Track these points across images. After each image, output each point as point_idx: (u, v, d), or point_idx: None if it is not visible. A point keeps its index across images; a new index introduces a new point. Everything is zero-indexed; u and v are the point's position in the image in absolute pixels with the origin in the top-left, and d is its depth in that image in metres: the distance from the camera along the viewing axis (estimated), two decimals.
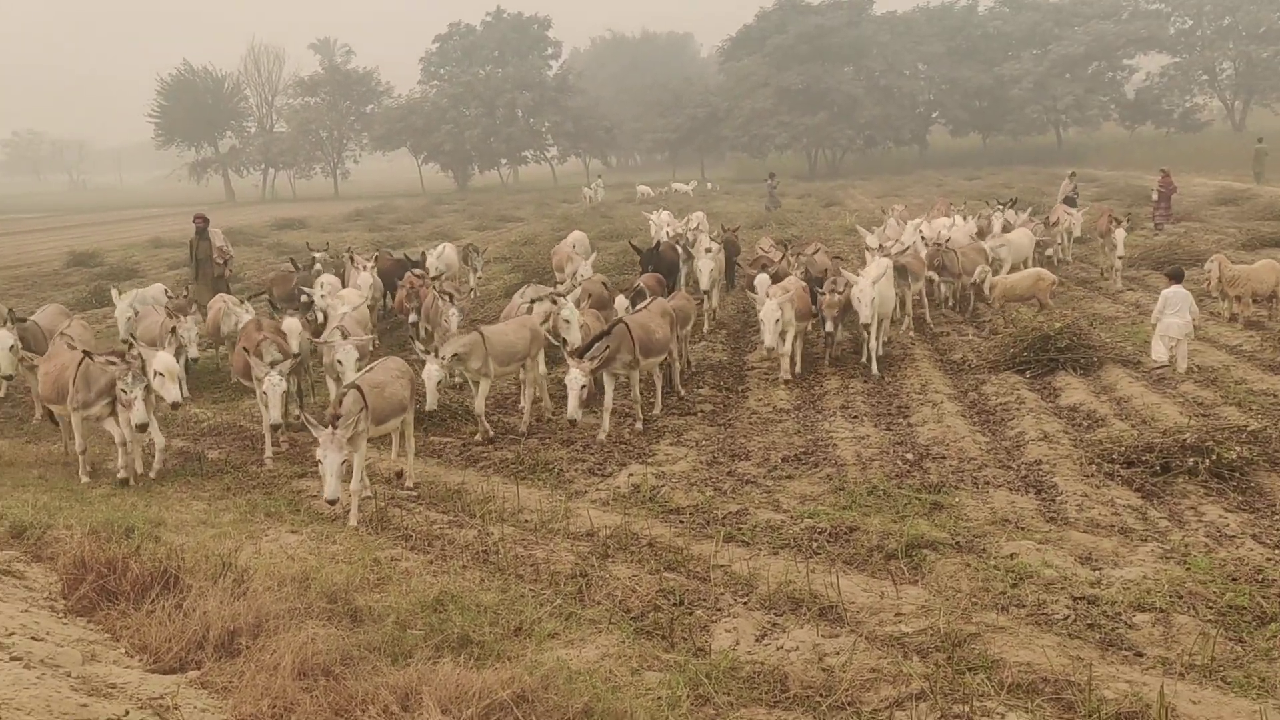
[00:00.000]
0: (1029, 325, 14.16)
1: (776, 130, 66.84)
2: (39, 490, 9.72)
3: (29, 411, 13.89)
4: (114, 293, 16.34)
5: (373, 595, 7.39)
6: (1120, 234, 18.64)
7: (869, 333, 14.01)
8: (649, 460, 10.86)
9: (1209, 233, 24.98)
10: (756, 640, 6.83)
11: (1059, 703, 5.81)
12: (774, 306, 13.22)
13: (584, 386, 10.96)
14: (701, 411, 12.77)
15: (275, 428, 11.42)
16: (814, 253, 17.83)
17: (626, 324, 11.92)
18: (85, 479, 10.71)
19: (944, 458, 10.43)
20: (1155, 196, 26.65)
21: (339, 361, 11.36)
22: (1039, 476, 9.77)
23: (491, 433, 11.88)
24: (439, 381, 11.34)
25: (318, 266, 18.87)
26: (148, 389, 10.23)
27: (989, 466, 10.15)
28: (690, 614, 7.27)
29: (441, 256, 20.48)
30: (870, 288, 13.61)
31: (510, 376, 12.99)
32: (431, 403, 11.27)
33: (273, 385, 10.89)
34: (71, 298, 23.93)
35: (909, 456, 10.52)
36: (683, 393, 13.44)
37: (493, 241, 34.01)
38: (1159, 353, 12.87)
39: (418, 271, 17.47)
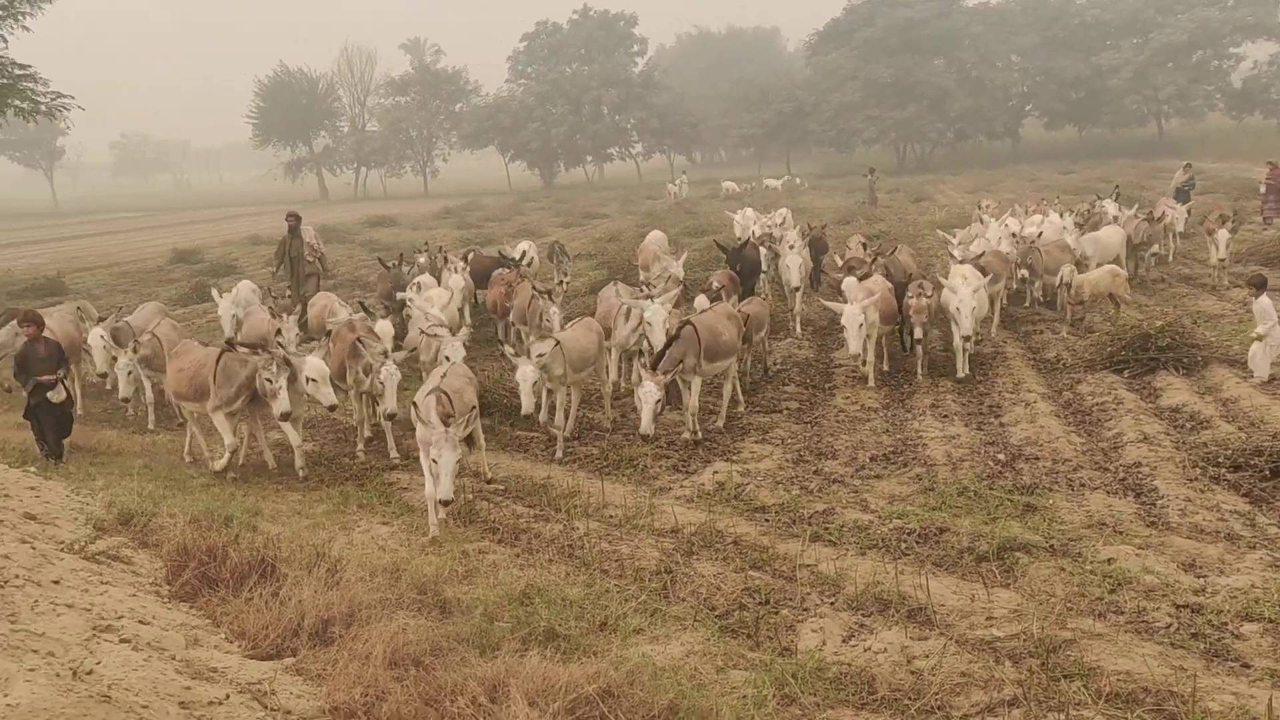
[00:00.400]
0: (1127, 323, 13.73)
1: (864, 124, 65.94)
2: (144, 479, 10.07)
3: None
4: (215, 292, 16.65)
5: (461, 587, 7.50)
6: (1224, 236, 17.69)
7: (965, 341, 13.43)
8: (734, 458, 10.82)
9: None
10: (843, 641, 6.75)
11: (1160, 714, 5.62)
12: (856, 312, 12.68)
13: (659, 400, 10.53)
14: (787, 409, 12.66)
15: (391, 417, 11.17)
16: (893, 253, 17.26)
17: (694, 325, 11.46)
18: (232, 474, 10.79)
19: (1037, 459, 10.17)
20: (1263, 189, 25.36)
21: (446, 358, 11.22)
22: (1138, 479, 9.46)
23: (564, 445, 11.45)
24: (534, 383, 10.78)
25: (410, 268, 18.69)
26: (291, 379, 10.26)
27: (1085, 468, 9.87)
28: (776, 613, 7.22)
29: (524, 255, 20.48)
30: (971, 296, 13.16)
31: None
32: (528, 406, 10.80)
33: (389, 374, 10.92)
34: (174, 294, 24.81)
35: (1001, 457, 10.28)
36: (742, 408, 12.63)
37: (577, 238, 34.25)
38: (1259, 364, 12.22)
39: (513, 269, 17.40)
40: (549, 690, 5.31)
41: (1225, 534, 8.07)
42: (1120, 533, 8.23)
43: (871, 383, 13.33)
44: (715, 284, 14.84)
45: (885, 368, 14.03)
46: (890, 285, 14.24)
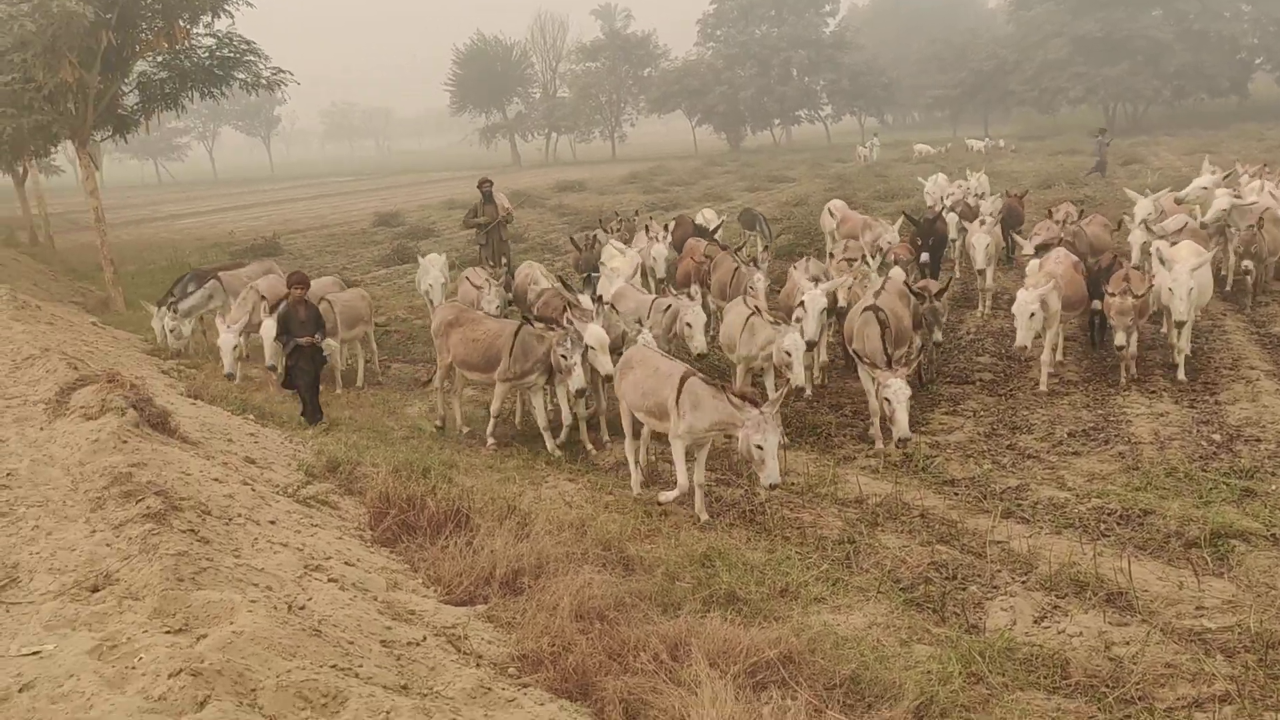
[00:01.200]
0: None
1: (1070, 83, 62.28)
2: (349, 430, 10.69)
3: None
4: (422, 259, 16.23)
5: (643, 546, 7.63)
6: None
7: (1179, 332, 11.51)
8: (923, 429, 10.51)
9: None
10: (1035, 622, 6.50)
11: None
12: (1029, 299, 11.03)
13: (910, 397, 9.35)
14: (980, 380, 12.21)
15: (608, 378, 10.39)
16: (1081, 222, 15.40)
17: (877, 309, 10.26)
18: (492, 443, 10.68)
19: (1259, 440, 9.43)
20: None
21: (688, 325, 10.96)
22: None
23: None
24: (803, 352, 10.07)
25: (602, 235, 17.64)
26: (584, 355, 9.95)
27: None
28: (964, 589, 7.01)
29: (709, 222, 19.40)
30: (1188, 277, 11.18)
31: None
32: (800, 378, 10.11)
33: (645, 339, 10.14)
34: (376, 255, 26.12)
35: (1216, 437, 9.60)
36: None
37: (763, 202, 33.93)
38: None
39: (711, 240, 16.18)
40: (730, 652, 5.34)
41: None
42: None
43: (1044, 386, 11.48)
44: (897, 254, 14.16)
45: (1059, 358, 12.24)
46: (1076, 263, 12.42)
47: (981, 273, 15.30)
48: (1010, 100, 69.01)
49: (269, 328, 11.64)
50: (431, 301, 15.19)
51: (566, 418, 10.70)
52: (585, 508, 8.23)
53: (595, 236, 17.72)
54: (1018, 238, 15.27)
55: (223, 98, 23.68)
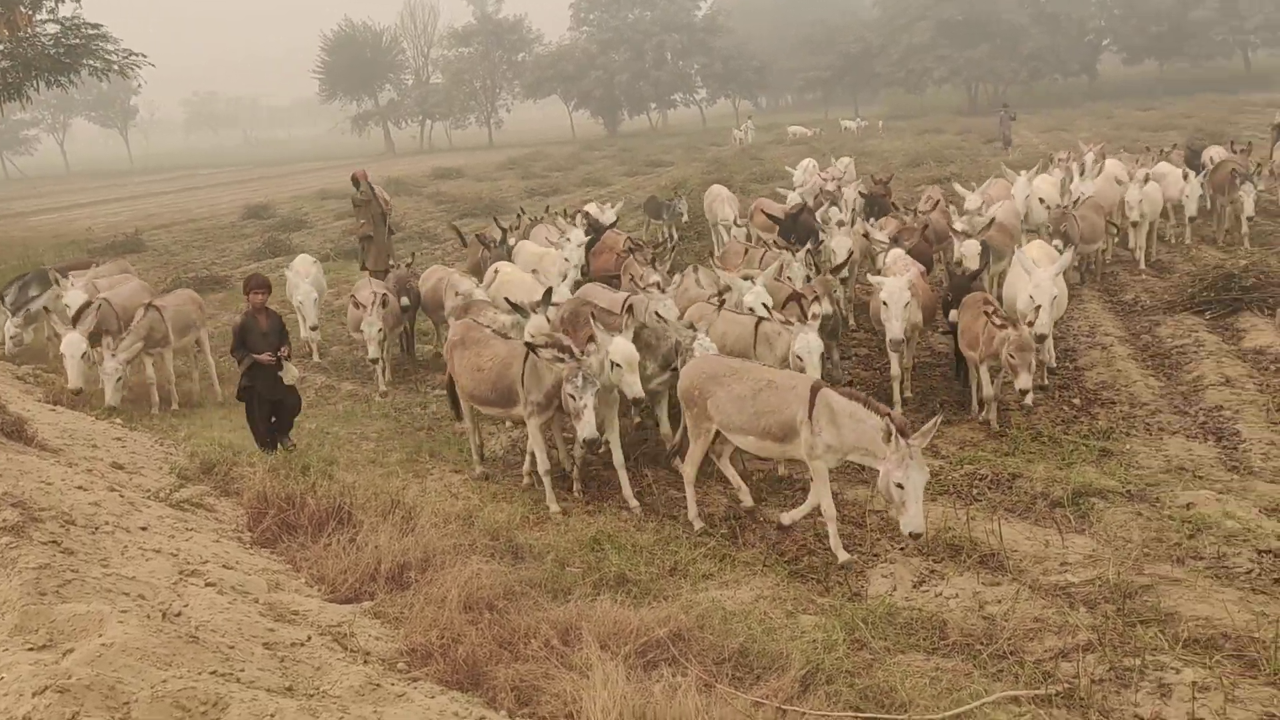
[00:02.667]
0: (1209, 264, 13.29)
1: (935, 64, 64.30)
2: (224, 429, 10.36)
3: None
4: (290, 270, 14.30)
5: (532, 533, 7.63)
6: None
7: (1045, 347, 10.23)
8: None
9: None
10: (914, 586, 6.74)
11: (1240, 660, 5.52)
12: (900, 286, 9.64)
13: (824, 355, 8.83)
14: (856, 355, 12.54)
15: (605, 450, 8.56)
16: (933, 209, 14.67)
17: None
18: (555, 508, 8.38)
19: (1114, 403, 9.96)
20: None
21: (798, 357, 8.52)
22: (1219, 423, 9.22)
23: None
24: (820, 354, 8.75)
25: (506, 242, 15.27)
26: (599, 393, 7.95)
27: (1164, 412, 9.65)
28: (848, 550, 7.22)
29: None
30: (1051, 284, 9.68)
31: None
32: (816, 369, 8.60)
33: (704, 345, 8.59)
34: (247, 249, 25.28)
35: (1076, 401, 10.09)
36: None
37: (643, 187, 34.08)
38: None
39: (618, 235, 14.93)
40: (620, 633, 5.38)
41: None
42: (1200, 478, 8.05)
43: (898, 403, 10.24)
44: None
45: (907, 394, 10.65)
46: (923, 268, 11.19)
47: (844, 280, 12.51)
48: (878, 82, 70.84)
49: (72, 343, 10.62)
50: (304, 318, 13.39)
51: (544, 464, 8.49)
52: (472, 498, 8.18)
53: (505, 232, 15.60)
54: (869, 229, 13.70)
55: (71, 86, 22.52)
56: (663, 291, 10.03)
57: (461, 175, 43.80)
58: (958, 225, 12.92)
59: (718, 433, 7.69)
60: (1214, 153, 18.89)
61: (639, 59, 72.83)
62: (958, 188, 16.58)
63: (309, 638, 4.89)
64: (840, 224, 14.37)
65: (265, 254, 24.03)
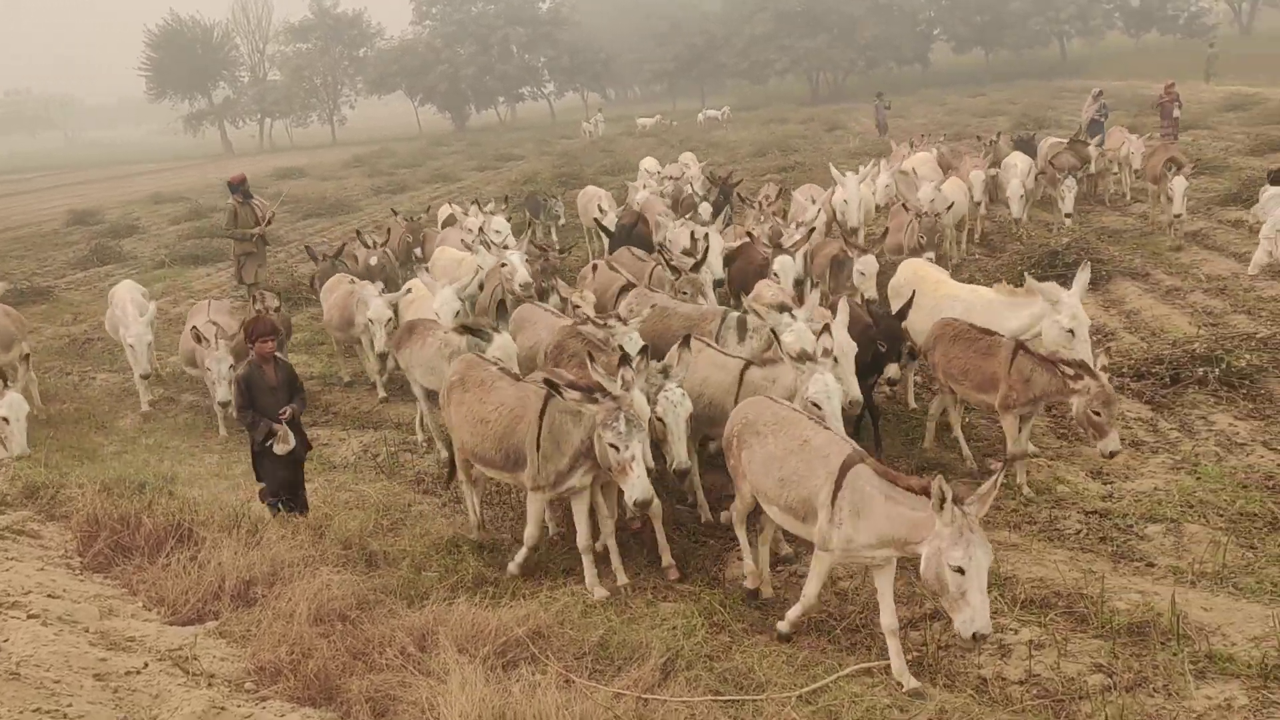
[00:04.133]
0: (1038, 240, 14.01)
1: (777, 55, 65.74)
2: (50, 449, 9.76)
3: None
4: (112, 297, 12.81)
5: (387, 540, 7.45)
6: (1181, 184, 14.17)
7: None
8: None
9: (1217, 140, 24.58)
10: (771, 568, 6.86)
11: (1072, 616, 5.85)
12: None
13: None
14: None
15: (643, 504, 6.32)
16: (771, 205, 13.78)
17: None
18: (602, 593, 6.54)
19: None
20: (1176, 113, 23.60)
21: (815, 405, 6.48)
22: None
23: None
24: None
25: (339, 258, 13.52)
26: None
27: None
28: (704, 545, 7.32)
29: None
30: (1081, 311, 8.23)
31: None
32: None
33: (672, 406, 6.83)
34: (72, 257, 23.84)
35: (915, 379, 10.45)
36: None
37: (493, 181, 33.76)
38: (1259, 256, 11.89)
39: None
40: (479, 635, 5.31)
41: (1130, 441, 8.36)
42: (1033, 446, 8.46)
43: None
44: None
45: None
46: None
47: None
48: (723, 73, 71.98)
49: None
50: (135, 362, 11.53)
51: (585, 538, 6.68)
52: (323, 508, 7.92)
53: (344, 246, 14.07)
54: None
55: None
56: (624, 324, 8.03)
57: (305, 175, 42.48)
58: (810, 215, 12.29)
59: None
60: (1053, 142, 18.86)
61: (484, 53, 71.99)
62: (833, 170, 15.75)
63: (145, 664, 4.65)
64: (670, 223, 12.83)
65: (92, 262, 22.76)
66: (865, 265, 10.58)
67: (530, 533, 6.79)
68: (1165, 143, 16.98)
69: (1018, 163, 16.41)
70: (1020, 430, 7.68)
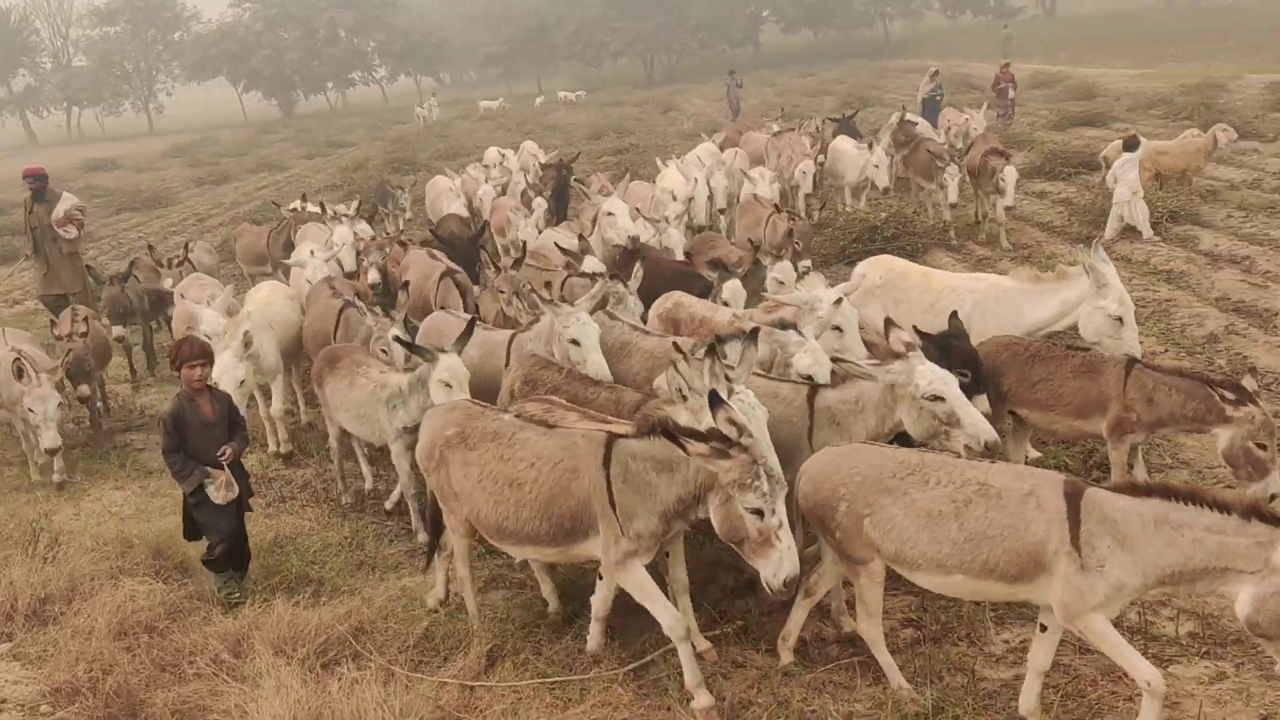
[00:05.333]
0: (856, 216, 14.48)
1: (610, 37, 65.90)
2: None
3: None
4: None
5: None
6: (1012, 174, 13.14)
7: None
8: None
9: (1023, 116, 25.95)
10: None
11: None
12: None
13: None
14: None
15: None
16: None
17: None
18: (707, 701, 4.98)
19: None
20: (1012, 94, 24.43)
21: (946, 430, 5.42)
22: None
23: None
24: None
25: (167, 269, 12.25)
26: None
27: None
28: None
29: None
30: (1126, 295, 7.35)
31: None
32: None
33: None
34: None
35: None
36: None
37: (323, 169, 32.76)
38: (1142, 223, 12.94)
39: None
40: (298, 636, 5.18)
41: None
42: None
43: None
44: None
45: None
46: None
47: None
48: (558, 55, 71.67)
49: None
50: None
51: (678, 628, 4.99)
52: (133, 517, 7.53)
53: (178, 264, 12.33)
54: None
55: None
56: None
57: (119, 166, 40.22)
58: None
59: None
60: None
61: (310, 36, 69.52)
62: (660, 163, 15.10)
63: None
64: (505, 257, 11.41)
65: None
66: (730, 291, 8.67)
67: (668, 622, 4.94)
68: (985, 133, 16.31)
69: (845, 147, 16.59)
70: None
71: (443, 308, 9.08)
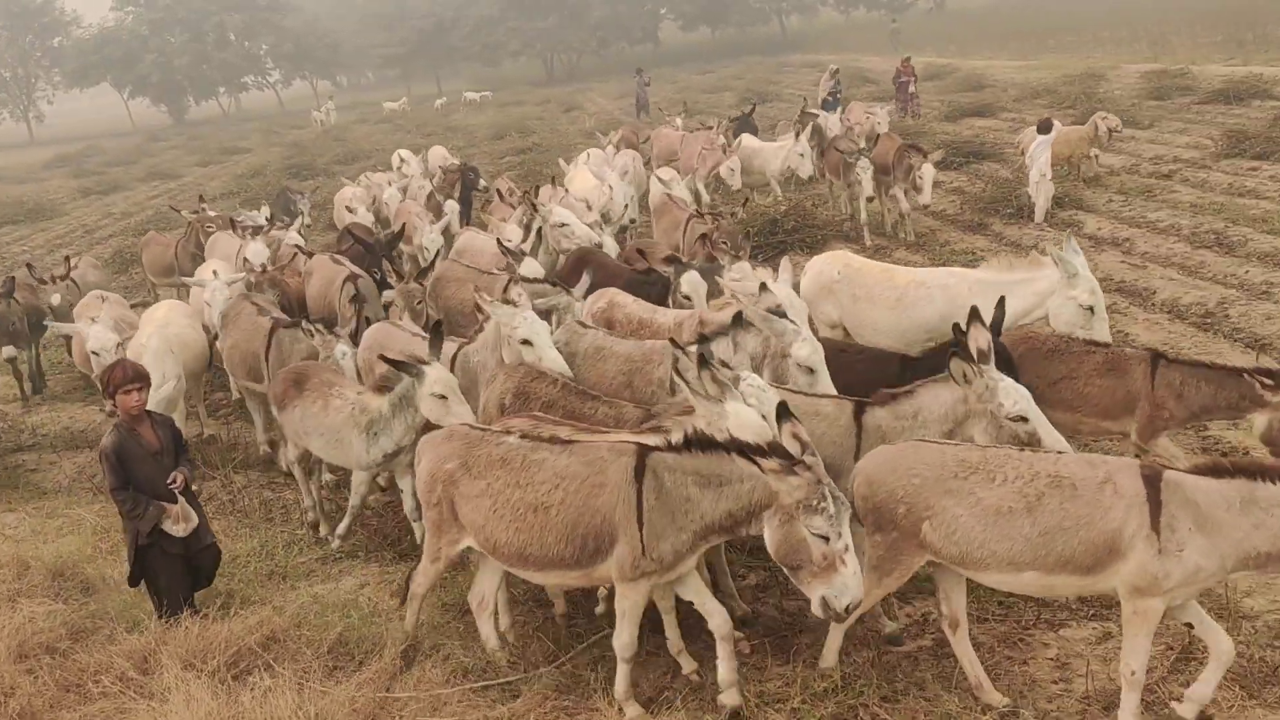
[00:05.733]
0: (758, 210, 14.72)
1: (508, 37, 65.64)
2: None
3: None
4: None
5: (107, 562, 6.96)
6: (930, 171, 13.11)
7: None
8: None
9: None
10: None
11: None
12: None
13: None
14: None
15: None
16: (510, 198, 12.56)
17: None
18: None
19: None
20: (912, 88, 24.83)
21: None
22: None
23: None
24: None
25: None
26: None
27: None
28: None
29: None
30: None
31: None
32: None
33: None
34: None
35: None
36: None
37: (217, 176, 31.97)
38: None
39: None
40: (207, 649, 5.11)
41: None
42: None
43: None
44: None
45: None
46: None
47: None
48: (457, 56, 71.01)
49: None
50: None
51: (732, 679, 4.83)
52: (29, 539, 7.31)
53: (61, 279, 12.21)
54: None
55: None
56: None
57: None
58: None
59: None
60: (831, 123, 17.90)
61: (198, 40, 67.58)
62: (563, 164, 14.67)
63: None
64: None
65: None
66: (690, 284, 8.41)
67: (625, 642, 4.81)
68: (890, 134, 15.95)
69: (756, 143, 16.88)
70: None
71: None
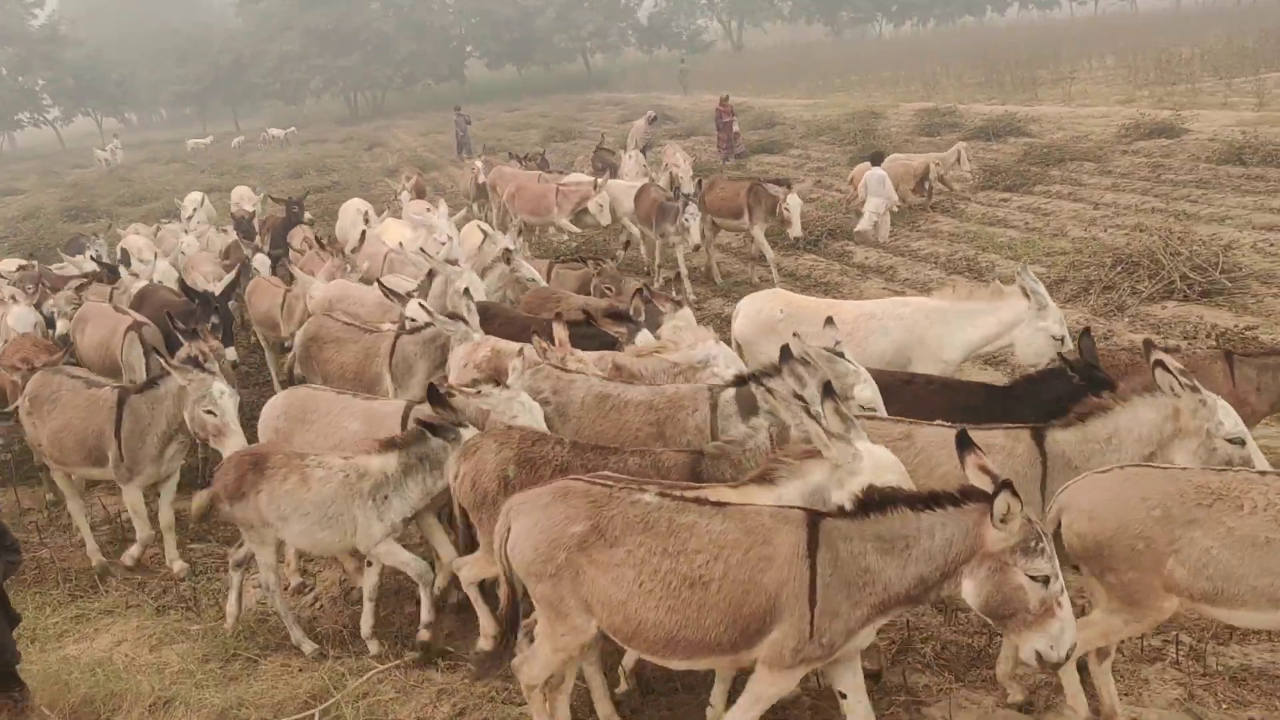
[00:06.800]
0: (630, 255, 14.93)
1: (310, 74, 64.31)
2: None
3: None
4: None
5: None
6: (796, 202, 12.72)
7: None
8: None
9: (711, 144, 27.63)
10: (294, 594, 6.79)
11: None
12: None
13: None
14: None
15: None
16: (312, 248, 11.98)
17: None
18: None
19: None
20: (736, 127, 25.16)
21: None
22: None
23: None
24: None
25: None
26: None
27: None
28: (216, 581, 7.08)
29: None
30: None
31: None
32: None
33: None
34: None
35: None
36: None
37: None
38: (865, 224, 14.21)
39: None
40: None
41: None
42: None
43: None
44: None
45: None
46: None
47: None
48: (256, 93, 68.86)
49: None
50: None
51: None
52: None
53: None
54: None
55: None
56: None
57: None
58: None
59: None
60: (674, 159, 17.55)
61: None
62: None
63: None
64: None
65: None
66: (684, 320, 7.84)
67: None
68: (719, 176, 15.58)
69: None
70: None
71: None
